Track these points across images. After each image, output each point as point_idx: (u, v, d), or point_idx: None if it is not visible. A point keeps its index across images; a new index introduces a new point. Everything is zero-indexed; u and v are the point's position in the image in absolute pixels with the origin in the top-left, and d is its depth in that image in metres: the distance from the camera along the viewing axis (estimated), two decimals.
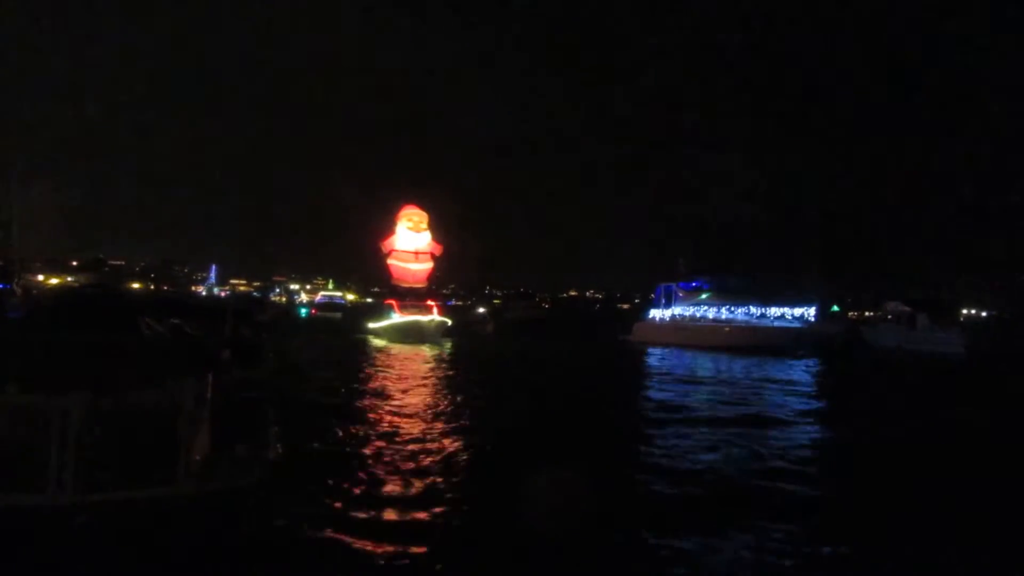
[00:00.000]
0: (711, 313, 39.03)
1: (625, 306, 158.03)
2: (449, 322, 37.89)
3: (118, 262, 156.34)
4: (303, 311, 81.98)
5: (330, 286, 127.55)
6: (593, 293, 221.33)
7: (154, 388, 7.01)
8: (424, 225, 42.12)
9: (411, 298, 38.93)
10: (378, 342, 33.73)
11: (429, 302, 38.83)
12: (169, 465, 5.94)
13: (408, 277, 41.40)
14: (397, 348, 30.45)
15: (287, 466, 7.69)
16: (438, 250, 42.75)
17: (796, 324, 36.60)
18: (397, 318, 36.68)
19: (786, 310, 37.11)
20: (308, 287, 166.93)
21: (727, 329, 37.49)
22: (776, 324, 36.81)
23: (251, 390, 10.67)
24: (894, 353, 40.68)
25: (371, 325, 39.44)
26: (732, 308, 38.42)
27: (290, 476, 7.74)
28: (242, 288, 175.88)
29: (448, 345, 33.38)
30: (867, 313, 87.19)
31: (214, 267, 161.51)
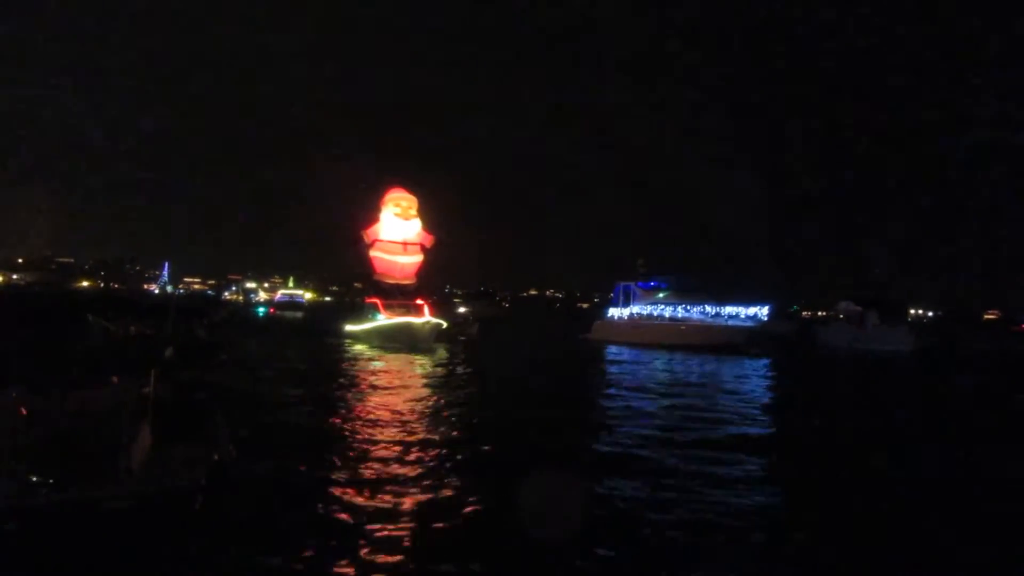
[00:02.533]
0: (668, 312, 39.61)
1: (584, 305, 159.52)
2: (444, 324, 33.33)
3: (66, 260, 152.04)
4: (261, 310, 79.57)
5: (290, 284, 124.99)
6: (553, 292, 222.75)
7: (94, 387, 6.89)
8: (413, 212, 36.36)
9: (398, 296, 33.90)
10: (359, 348, 29.43)
11: (419, 301, 33.81)
12: (108, 466, 5.84)
13: (395, 272, 35.59)
14: (382, 355, 26.35)
15: (233, 467, 7.54)
16: (429, 241, 36.70)
17: (749, 323, 37.37)
18: (383, 320, 32.02)
19: (740, 309, 37.84)
20: (266, 285, 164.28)
21: (683, 328, 38.07)
22: (730, 323, 37.55)
23: (202, 390, 10.51)
24: (844, 351, 41.94)
25: (349, 328, 34.26)
26: (688, 307, 39.09)
27: (235, 477, 7.56)
28: (196, 286, 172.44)
29: (442, 352, 28.91)
30: (820, 313, 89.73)
31: (167, 265, 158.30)
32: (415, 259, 36.25)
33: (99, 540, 5.49)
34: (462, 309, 58.01)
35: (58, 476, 5.60)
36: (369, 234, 35.93)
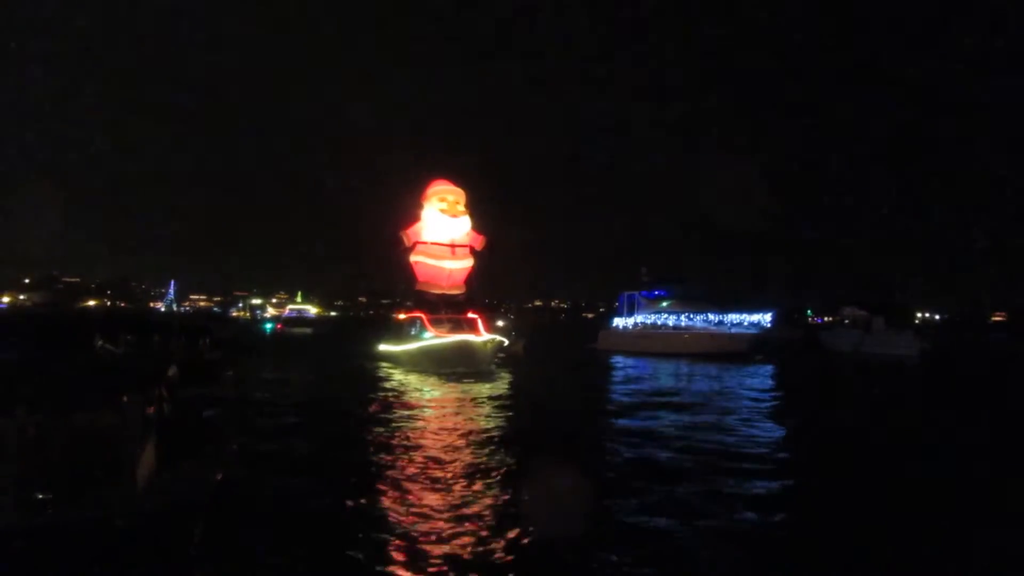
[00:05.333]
0: (671, 321, 39.72)
1: (590, 315, 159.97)
2: (506, 342, 28.19)
3: (72, 279, 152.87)
4: (268, 326, 78.54)
5: (299, 299, 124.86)
6: (558, 303, 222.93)
7: (99, 407, 6.98)
8: (462, 207, 30.29)
9: (445, 309, 28.61)
10: (394, 371, 25.35)
11: (471, 314, 28.28)
12: (113, 485, 5.92)
13: (441, 279, 29.71)
14: (427, 378, 22.65)
15: (237, 484, 7.61)
16: (479, 242, 30.71)
17: (753, 330, 37.41)
18: (432, 338, 26.04)
19: (744, 316, 37.90)
20: (274, 301, 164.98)
21: (687, 336, 38.17)
22: (734, 330, 37.61)
23: (206, 408, 10.59)
24: (850, 356, 41.76)
25: (386, 348, 29.54)
26: (692, 315, 39.20)
27: (240, 495, 7.63)
28: (203, 304, 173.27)
29: (505, 376, 24.06)
30: (826, 318, 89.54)
31: (173, 283, 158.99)
32: (465, 264, 30.40)
33: (105, 559, 5.55)
34: (500, 323, 50.70)
35: (64, 495, 5.67)
36: (410, 235, 30.28)
